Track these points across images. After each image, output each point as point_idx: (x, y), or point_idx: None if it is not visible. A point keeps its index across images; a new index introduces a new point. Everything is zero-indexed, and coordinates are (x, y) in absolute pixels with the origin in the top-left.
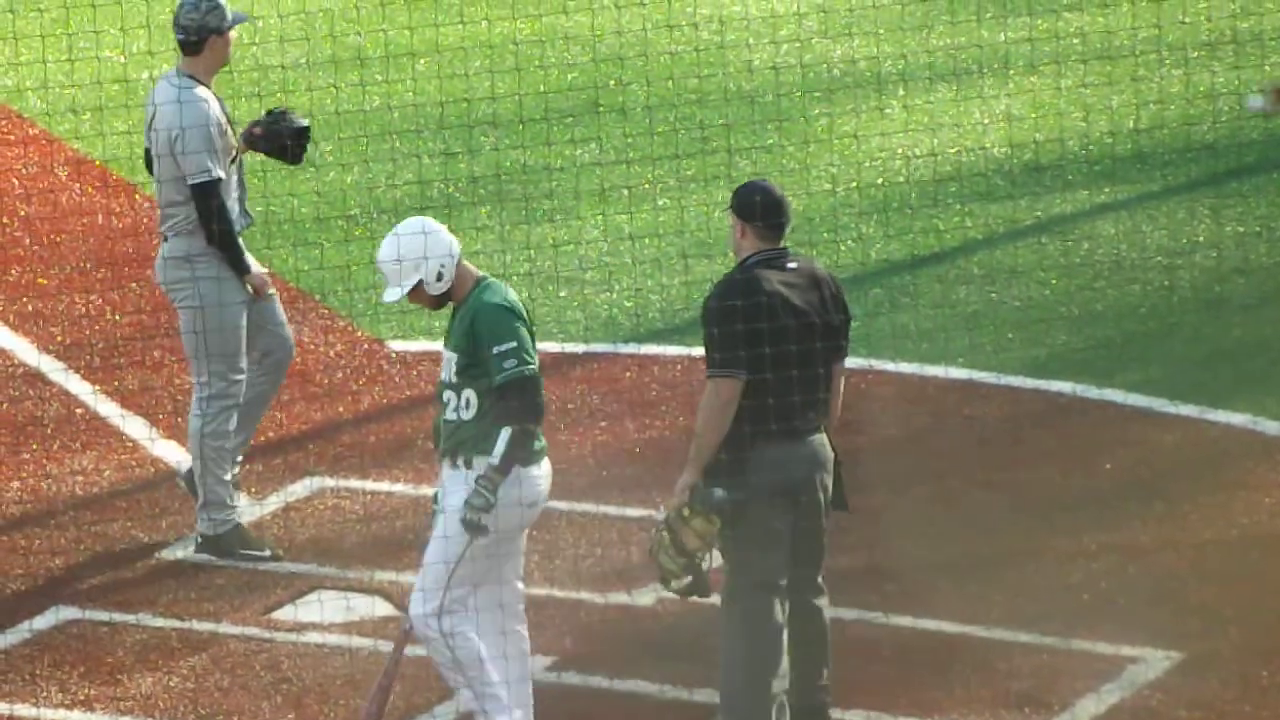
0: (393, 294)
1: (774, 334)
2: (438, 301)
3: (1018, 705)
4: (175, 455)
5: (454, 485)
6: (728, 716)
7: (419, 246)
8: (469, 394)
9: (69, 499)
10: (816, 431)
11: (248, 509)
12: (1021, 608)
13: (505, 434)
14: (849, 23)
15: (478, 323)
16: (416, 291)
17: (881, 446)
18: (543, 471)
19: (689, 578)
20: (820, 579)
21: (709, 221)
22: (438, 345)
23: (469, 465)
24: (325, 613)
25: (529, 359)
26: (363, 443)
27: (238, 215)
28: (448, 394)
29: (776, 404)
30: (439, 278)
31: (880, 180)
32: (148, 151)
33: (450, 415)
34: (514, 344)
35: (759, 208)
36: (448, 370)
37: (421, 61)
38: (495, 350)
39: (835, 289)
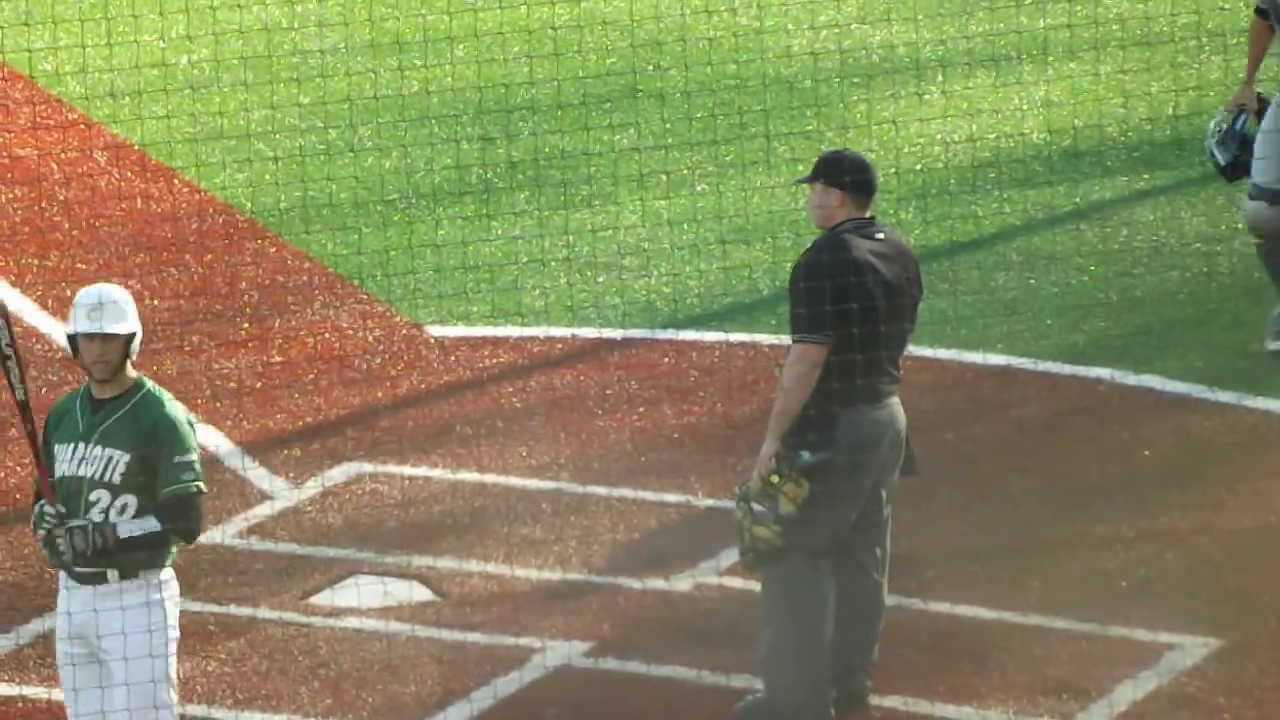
0: (115, 326)
1: (859, 296)
2: (112, 369)
3: (1055, 692)
4: (212, 440)
5: (113, 607)
6: (770, 680)
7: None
8: (129, 499)
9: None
10: (894, 395)
11: (286, 494)
12: (1058, 594)
13: (155, 523)
14: (888, 8)
15: (162, 427)
16: (112, 343)
17: (919, 433)
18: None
19: (779, 544)
20: (880, 554)
21: (747, 207)
22: (478, 330)
23: (132, 577)
24: (363, 597)
25: (201, 477)
26: (401, 428)
27: None
28: (98, 493)
29: (861, 364)
30: (134, 348)
31: (919, 166)
32: None
33: (97, 518)
34: (194, 458)
35: (848, 173)
36: (102, 469)
37: (460, 46)
38: (177, 460)
39: (915, 264)
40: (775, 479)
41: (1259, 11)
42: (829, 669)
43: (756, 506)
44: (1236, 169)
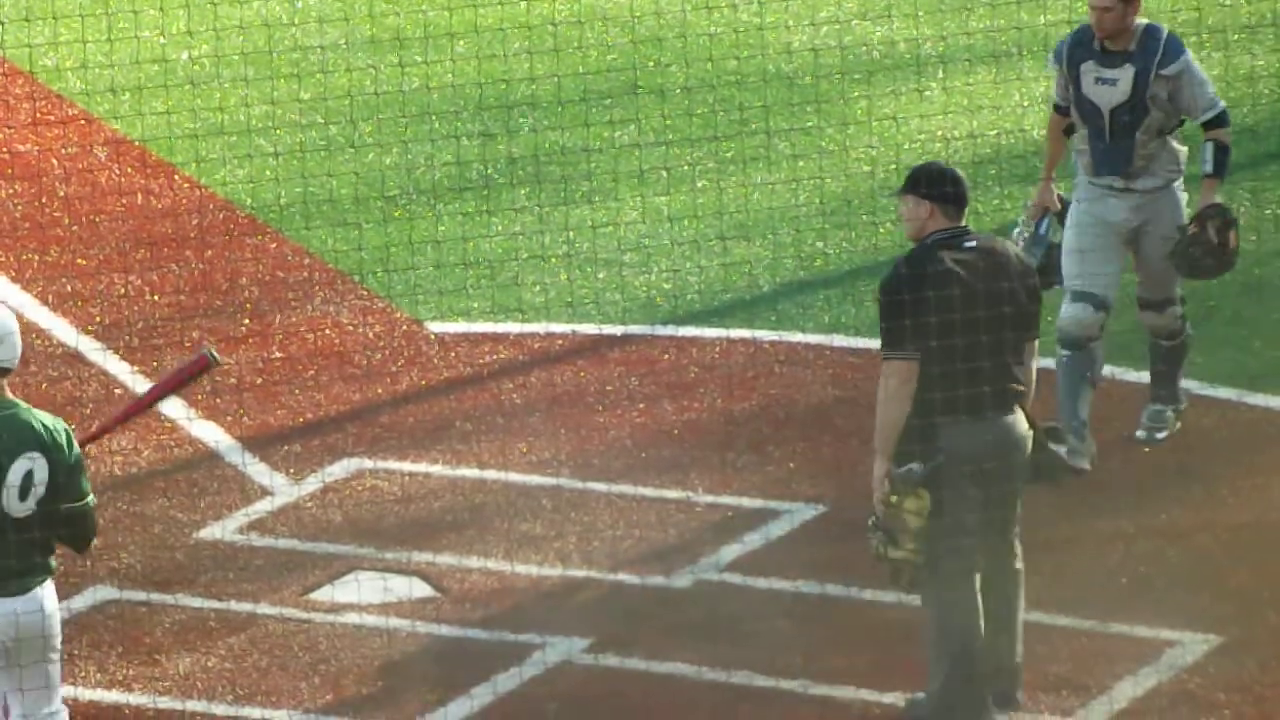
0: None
1: (942, 308)
2: None
3: (1055, 689)
4: (212, 435)
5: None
6: (929, 685)
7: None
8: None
9: (107, 479)
10: (1002, 410)
11: (286, 490)
12: (1059, 591)
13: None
14: (888, 4)
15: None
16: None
17: None
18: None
19: (920, 560)
20: (1013, 564)
21: (747, 203)
22: (478, 327)
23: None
24: (363, 594)
25: None
26: (401, 424)
27: None
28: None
29: (949, 380)
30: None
31: (919, 162)
32: None
33: None
34: None
35: (938, 185)
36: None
37: (460, 43)
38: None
39: (1022, 268)
40: (894, 498)
41: (1057, 109)
42: (984, 674)
43: (886, 531)
44: (1046, 274)
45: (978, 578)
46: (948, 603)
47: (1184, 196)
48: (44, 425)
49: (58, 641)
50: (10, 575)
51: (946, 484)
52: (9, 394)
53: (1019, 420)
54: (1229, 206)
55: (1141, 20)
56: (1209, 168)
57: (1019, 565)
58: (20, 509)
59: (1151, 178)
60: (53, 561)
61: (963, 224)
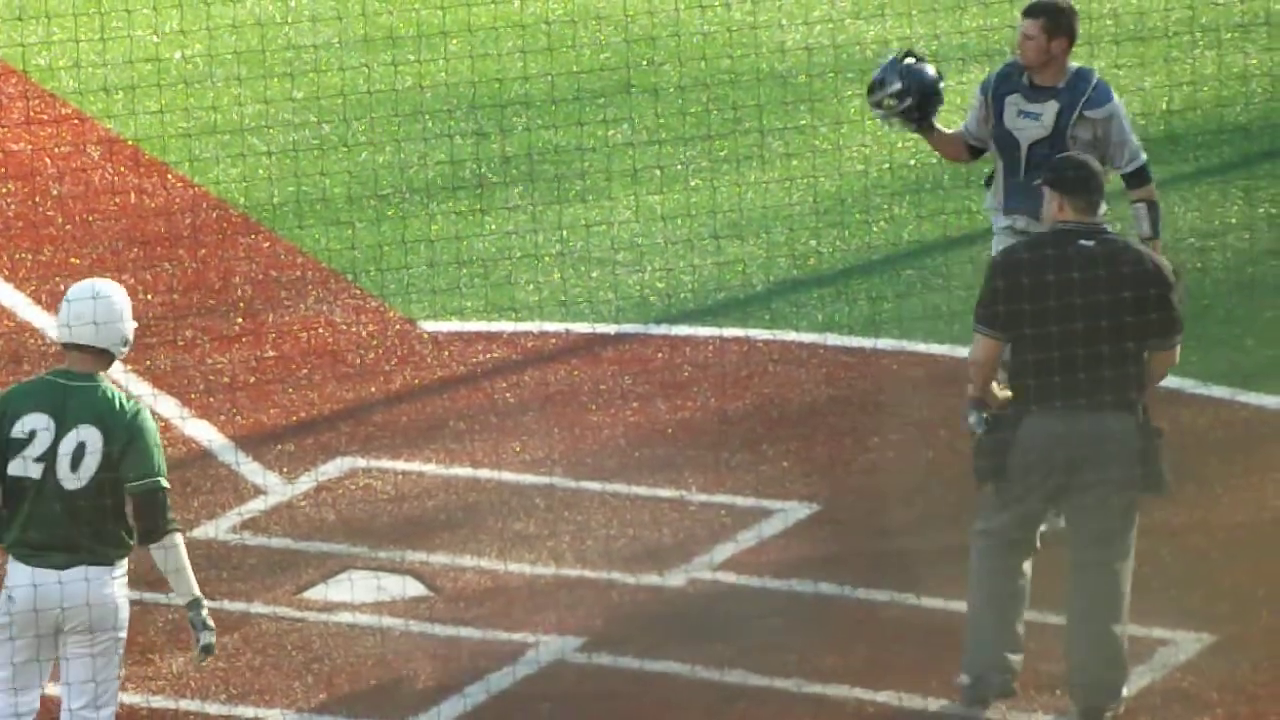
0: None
1: (1033, 298)
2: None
3: (1049, 687)
4: (205, 435)
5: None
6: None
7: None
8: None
9: None
10: (1092, 409)
11: (279, 489)
12: (1052, 589)
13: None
14: (882, 3)
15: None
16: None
17: (914, 428)
18: (18, 577)
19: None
20: (1109, 575)
21: (741, 202)
22: (471, 325)
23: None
24: (356, 593)
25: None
26: (394, 423)
27: None
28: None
29: (1031, 366)
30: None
31: (913, 161)
32: None
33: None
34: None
35: (1063, 180)
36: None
37: (454, 41)
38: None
39: (1147, 274)
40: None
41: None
42: (1003, 647)
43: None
44: None
45: (1003, 573)
46: (976, 572)
47: None
48: (114, 405)
49: (107, 637)
50: (56, 547)
51: (1013, 473)
52: (99, 372)
53: (1105, 421)
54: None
55: (1075, 63)
56: (1147, 229)
57: (1113, 580)
58: (71, 480)
59: None
60: (111, 551)
61: (1095, 220)
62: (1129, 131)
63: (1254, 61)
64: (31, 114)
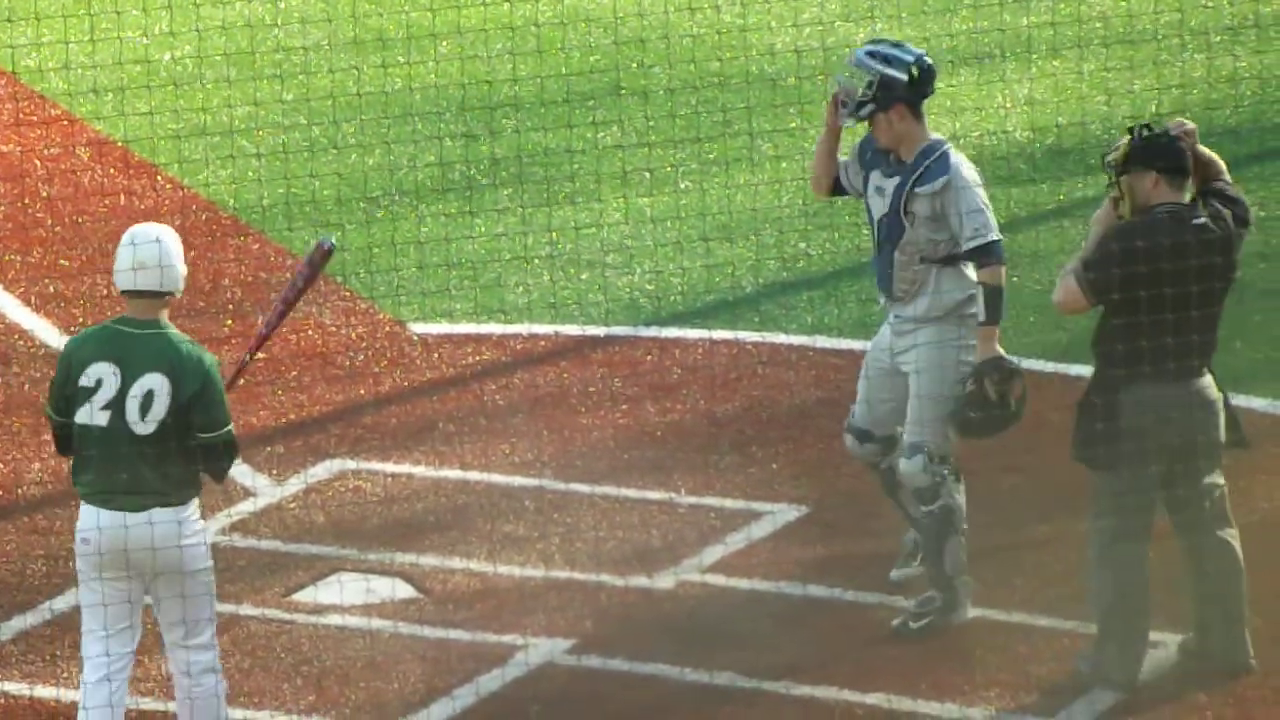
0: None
1: (1153, 278)
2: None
3: (1038, 689)
4: None
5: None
6: (1098, 659)
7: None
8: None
9: None
10: (1196, 375)
11: (269, 491)
12: (1042, 591)
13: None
14: (871, 6)
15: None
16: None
17: None
18: (88, 520)
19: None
20: (1221, 530)
21: (730, 205)
22: (461, 328)
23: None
24: (345, 595)
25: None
26: (384, 425)
27: None
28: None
29: (1148, 346)
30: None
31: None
32: None
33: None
34: None
35: (1167, 157)
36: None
37: (443, 43)
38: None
39: (1236, 247)
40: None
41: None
42: (1140, 631)
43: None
44: None
45: (1146, 543)
46: (1108, 561)
47: (965, 336)
48: (182, 352)
49: (193, 574)
50: (122, 490)
51: (1128, 452)
52: (163, 318)
53: (1204, 384)
54: (1007, 358)
55: (937, 136)
56: (980, 315)
57: (1226, 537)
58: (140, 426)
59: (913, 306)
60: (179, 493)
61: (1187, 198)
62: (977, 205)
63: (1243, 64)
64: (21, 115)
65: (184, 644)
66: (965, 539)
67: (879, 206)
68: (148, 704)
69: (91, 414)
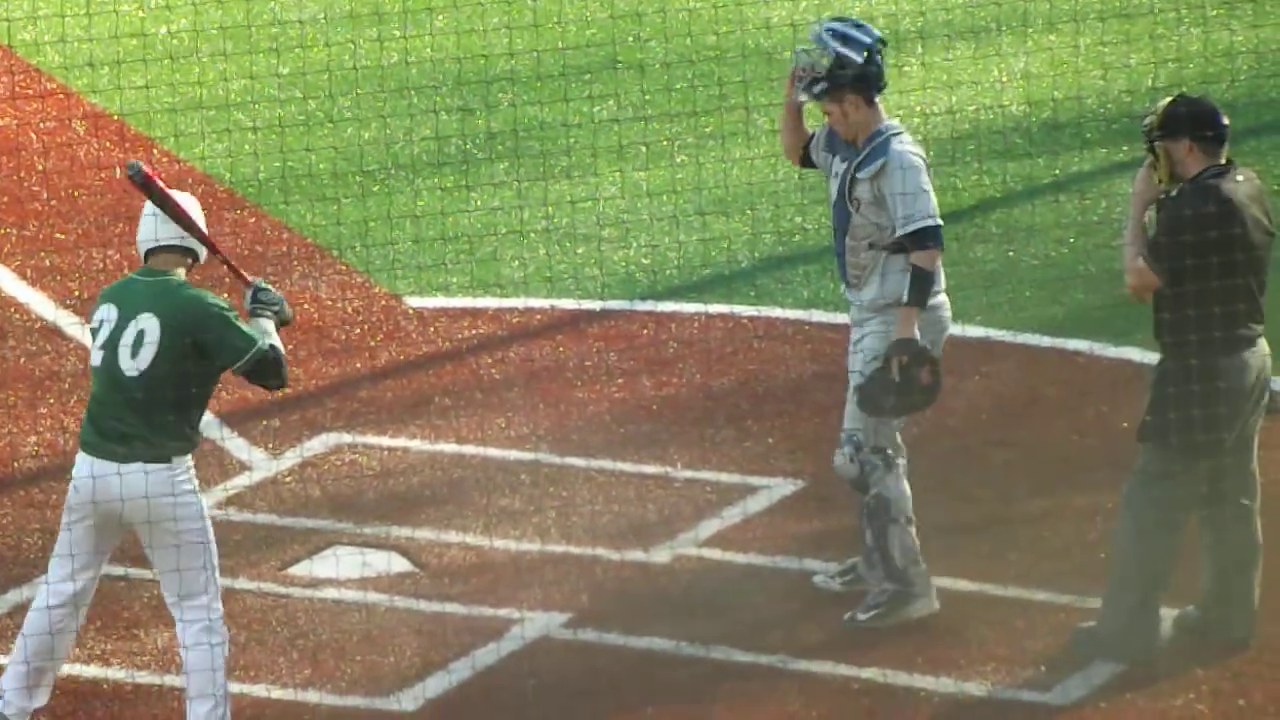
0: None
1: (1223, 243)
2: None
3: (1034, 664)
4: None
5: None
6: (1105, 607)
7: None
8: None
9: None
10: (1260, 337)
11: (264, 465)
12: (1038, 566)
13: None
14: None
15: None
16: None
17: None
18: (80, 469)
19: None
20: (1248, 504)
21: (726, 179)
22: (457, 301)
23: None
24: (341, 568)
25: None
26: (379, 399)
27: None
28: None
29: (1224, 312)
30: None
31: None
32: None
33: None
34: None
35: (1201, 123)
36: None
37: (439, 17)
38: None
39: (1268, 205)
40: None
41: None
42: (1157, 604)
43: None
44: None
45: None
46: (1150, 524)
47: (929, 320)
48: (179, 295)
49: (184, 530)
50: (115, 438)
51: (1216, 422)
52: (179, 274)
53: (1263, 347)
54: (919, 340)
55: (890, 121)
56: (904, 296)
57: (1248, 502)
58: (130, 367)
59: (865, 292)
60: (170, 445)
61: (1224, 160)
62: (919, 188)
63: (1239, 38)
64: (16, 89)
65: (179, 598)
66: (913, 526)
67: (833, 191)
68: (144, 678)
69: (94, 355)
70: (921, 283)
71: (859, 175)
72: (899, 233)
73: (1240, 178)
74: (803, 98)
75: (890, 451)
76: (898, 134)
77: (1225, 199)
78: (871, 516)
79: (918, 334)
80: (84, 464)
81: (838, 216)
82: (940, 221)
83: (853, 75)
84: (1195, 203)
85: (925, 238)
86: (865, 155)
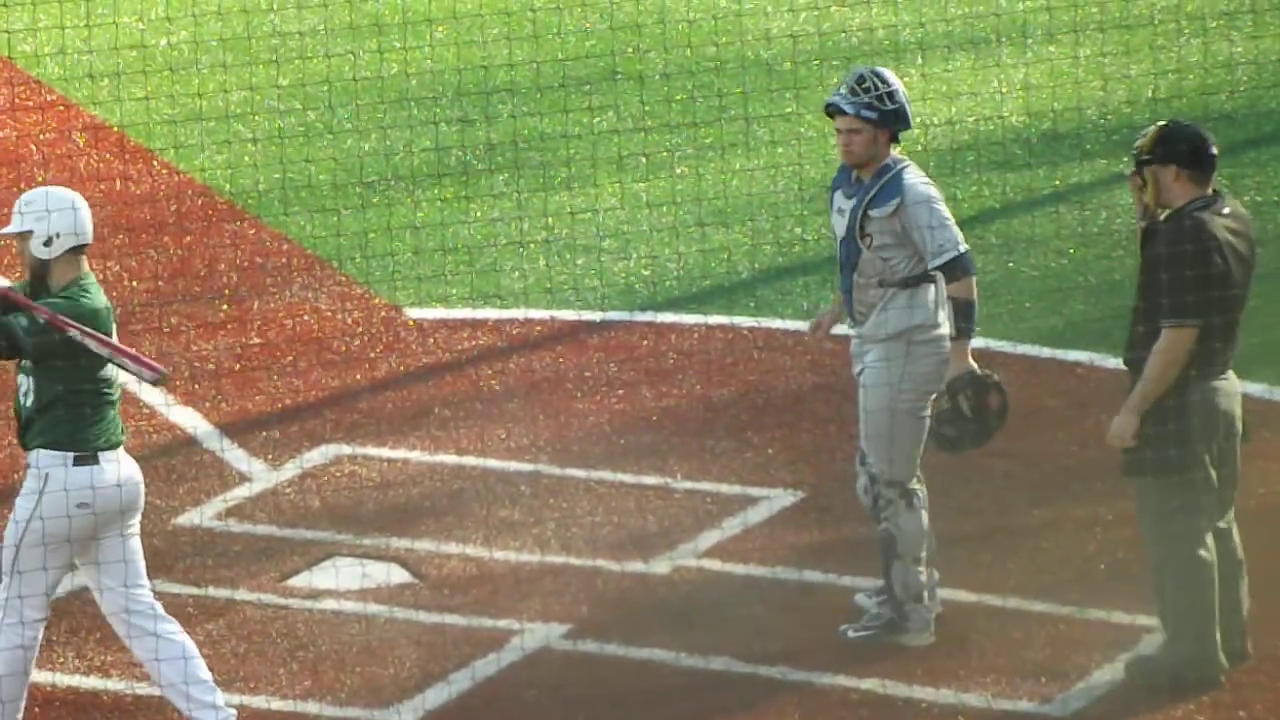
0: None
1: (1219, 279)
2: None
3: (1033, 675)
4: (190, 421)
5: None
6: (1169, 636)
7: (42, 203)
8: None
9: None
10: (1230, 367)
11: (264, 476)
12: (1037, 577)
13: None
14: None
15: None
16: (23, 239)
17: None
18: (94, 477)
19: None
20: (1230, 519)
21: (726, 190)
22: (456, 313)
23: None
24: (341, 579)
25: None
26: (379, 410)
27: None
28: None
29: (1217, 346)
30: (47, 243)
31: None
32: None
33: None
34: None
35: (1191, 152)
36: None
37: (439, 28)
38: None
39: (1252, 233)
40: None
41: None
42: (1214, 623)
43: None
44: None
45: (1209, 537)
46: (1187, 558)
47: (913, 358)
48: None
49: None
50: (21, 426)
51: (1196, 440)
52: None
53: (1234, 381)
54: (980, 369)
55: (895, 155)
56: (951, 329)
57: (1228, 524)
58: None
59: (865, 325)
60: (51, 434)
61: (1212, 189)
62: (940, 220)
63: (1239, 49)
64: (17, 100)
65: (124, 585)
66: (923, 566)
67: (840, 227)
68: (143, 689)
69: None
70: (966, 311)
71: (872, 213)
72: (931, 265)
73: (1226, 210)
74: (821, 335)
75: (911, 485)
76: (906, 167)
77: (1207, 237)
78: (881, 548)
79: (972, 364)
80: (123, 466)
81: (846, 253)
82: (968, 247)
83: (894, 111)
84: (1182, 240)
85: (957, 267)
86: (877, 193)
